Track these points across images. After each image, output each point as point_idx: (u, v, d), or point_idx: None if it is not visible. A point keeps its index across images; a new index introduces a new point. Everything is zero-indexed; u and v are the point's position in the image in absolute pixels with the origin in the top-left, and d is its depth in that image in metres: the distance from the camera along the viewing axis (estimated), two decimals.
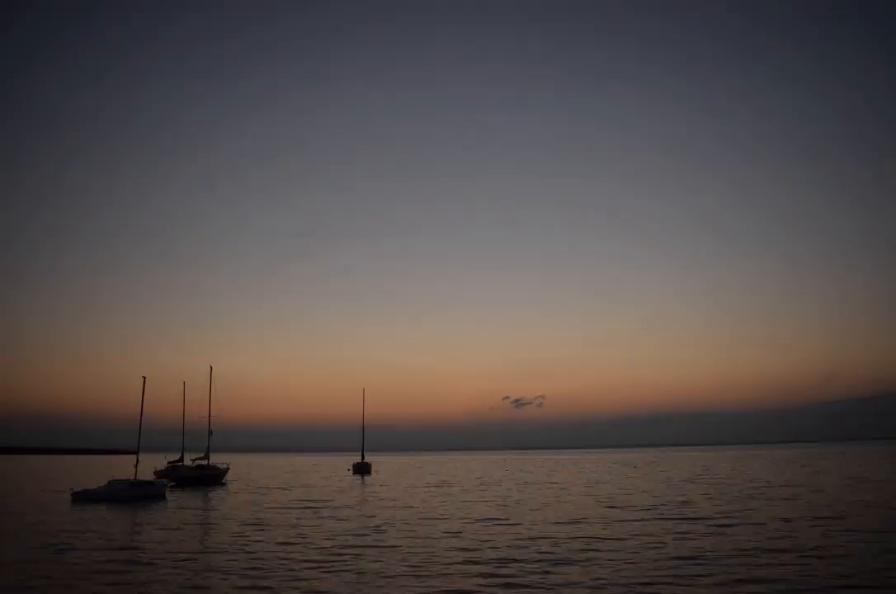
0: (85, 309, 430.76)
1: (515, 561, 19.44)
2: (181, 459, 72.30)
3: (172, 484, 64.06)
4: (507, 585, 16.26)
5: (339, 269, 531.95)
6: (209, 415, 72.30)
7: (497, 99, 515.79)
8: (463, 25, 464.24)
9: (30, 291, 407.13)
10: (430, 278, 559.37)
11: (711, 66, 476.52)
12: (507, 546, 22.18)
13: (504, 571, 17.96)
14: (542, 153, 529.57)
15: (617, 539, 23.23)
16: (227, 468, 72.03)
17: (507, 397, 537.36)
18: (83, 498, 45.34)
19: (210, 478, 67.98)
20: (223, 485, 65.40)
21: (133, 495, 47.05)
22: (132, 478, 49.56)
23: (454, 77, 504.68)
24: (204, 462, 71.22)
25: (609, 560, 19.19)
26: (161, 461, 69.40)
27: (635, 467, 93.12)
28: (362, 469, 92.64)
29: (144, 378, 50.90)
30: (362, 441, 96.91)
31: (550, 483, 59.15)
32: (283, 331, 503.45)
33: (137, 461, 50.10)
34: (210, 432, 71.98)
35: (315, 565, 19.29)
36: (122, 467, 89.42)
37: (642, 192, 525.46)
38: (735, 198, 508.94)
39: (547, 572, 17.71)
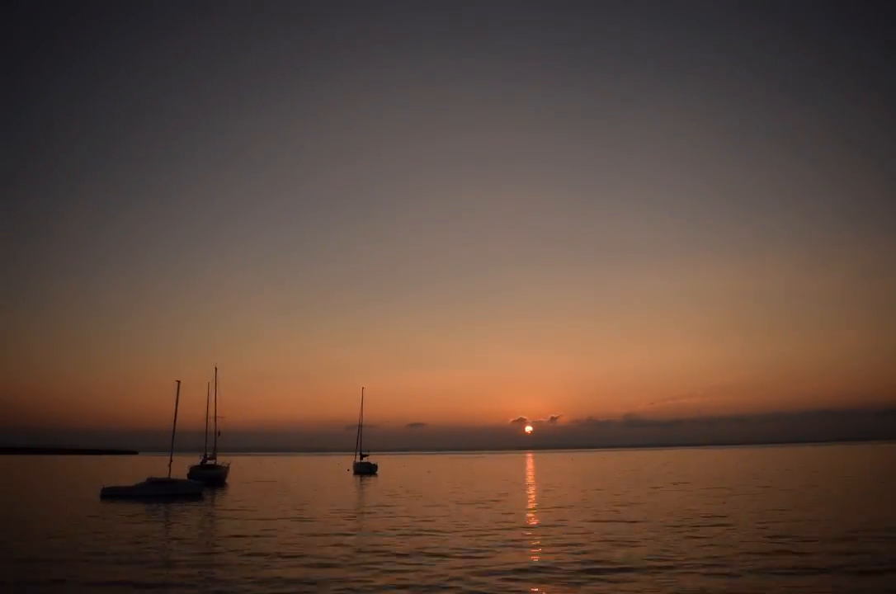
0: (90, 309, 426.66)
1: None
2: (212, 458, 72.64)
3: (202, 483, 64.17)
4: None
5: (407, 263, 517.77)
6: (215, 416, 72.87)
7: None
8: None
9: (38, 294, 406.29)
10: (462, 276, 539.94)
11: None
12: None
13: None
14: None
15: None
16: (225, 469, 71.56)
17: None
18: (112, 495, 45.07)
19: (219, 477, 67.31)
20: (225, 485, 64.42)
21: (164, 493, 46.27)
22: (167, 476, 48.75)
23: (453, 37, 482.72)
24: (212, 462, 71.18)
25: None
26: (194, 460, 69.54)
27: None
28: (364, 469, 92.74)
29: (179, 382, 50.90)
30: (359, 441, 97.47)
31: None
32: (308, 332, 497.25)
33: (171, 460, 49.33)
34: (218, 432, 72.13)
35: None
36: (134, 468, 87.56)
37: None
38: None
39: None
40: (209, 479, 65.30)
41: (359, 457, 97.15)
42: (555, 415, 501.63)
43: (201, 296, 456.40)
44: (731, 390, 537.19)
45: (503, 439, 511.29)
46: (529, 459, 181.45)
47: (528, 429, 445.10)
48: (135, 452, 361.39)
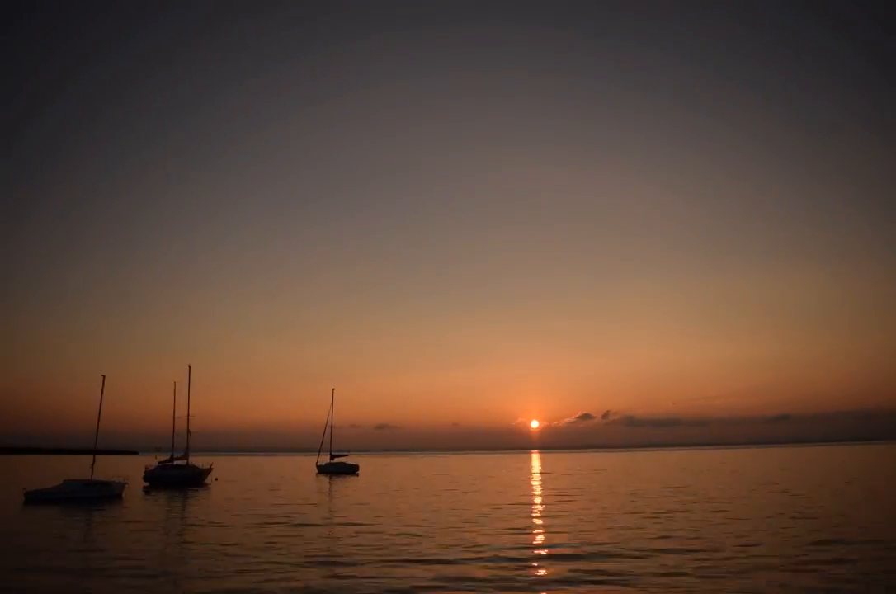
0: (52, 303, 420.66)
1: None
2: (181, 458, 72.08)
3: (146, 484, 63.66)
4: None
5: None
6: (188, 415, 71.98)
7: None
8: None
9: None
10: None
11: None
12: None
13: None
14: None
15: None
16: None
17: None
18: (36, 498, 44.16)
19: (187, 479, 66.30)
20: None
21: (87, 496, 45.47)
22: (88, 477, 47.96)
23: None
24: (176, 462, 70.27)
25: None
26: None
27: None
28: (337, 470, 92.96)
29: (104, 377, 49.88)
30: (330, 441, 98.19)
31: None
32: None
33: (94, 460, 48.48)
34: (188, 432, 71.58)
35: None
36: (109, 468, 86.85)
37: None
38: None
39: None
40: (171, 480, 63.86)
41: (329, 457, 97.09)
42: (586, 414, 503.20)
43: (216, 294, 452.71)
44: (757, 391, 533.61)
45: (535, 439, 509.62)
46: (591, 458, 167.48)
47: (560, 428, 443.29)
48: (135, 452, 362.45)
